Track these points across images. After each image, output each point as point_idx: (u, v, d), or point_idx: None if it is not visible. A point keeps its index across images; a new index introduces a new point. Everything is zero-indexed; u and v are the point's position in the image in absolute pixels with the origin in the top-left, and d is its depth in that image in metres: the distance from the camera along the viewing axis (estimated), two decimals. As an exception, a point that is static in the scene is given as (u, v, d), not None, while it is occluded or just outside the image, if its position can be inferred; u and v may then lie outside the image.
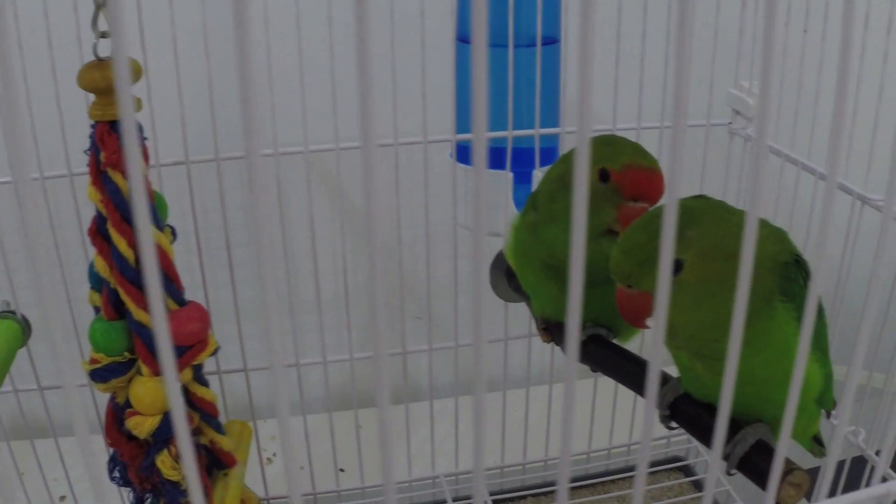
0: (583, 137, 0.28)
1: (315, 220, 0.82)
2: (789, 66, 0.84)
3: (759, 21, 0.85)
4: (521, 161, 0.85)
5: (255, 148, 0.24)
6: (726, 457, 0.60)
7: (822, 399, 0.62)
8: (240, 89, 0.24)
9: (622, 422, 0.99)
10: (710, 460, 0.49)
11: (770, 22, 0.28)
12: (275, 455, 1.05)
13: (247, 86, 0.24)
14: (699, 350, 0.57)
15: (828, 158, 0.31)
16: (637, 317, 0.57)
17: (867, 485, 0.79)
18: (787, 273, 0.56)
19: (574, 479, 1.00)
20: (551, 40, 0.84)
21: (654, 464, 1.03)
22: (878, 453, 0.81)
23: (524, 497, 1.00)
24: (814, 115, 0.80)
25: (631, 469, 1.02)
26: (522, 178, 0.84)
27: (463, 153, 0.85)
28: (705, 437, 0.63)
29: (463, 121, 0.84)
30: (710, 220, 0.55)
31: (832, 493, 0.52)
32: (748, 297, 0.54)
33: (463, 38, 0.83)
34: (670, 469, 1.03)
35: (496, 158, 0.83)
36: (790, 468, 0.57)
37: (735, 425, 0.60)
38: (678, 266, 0.54)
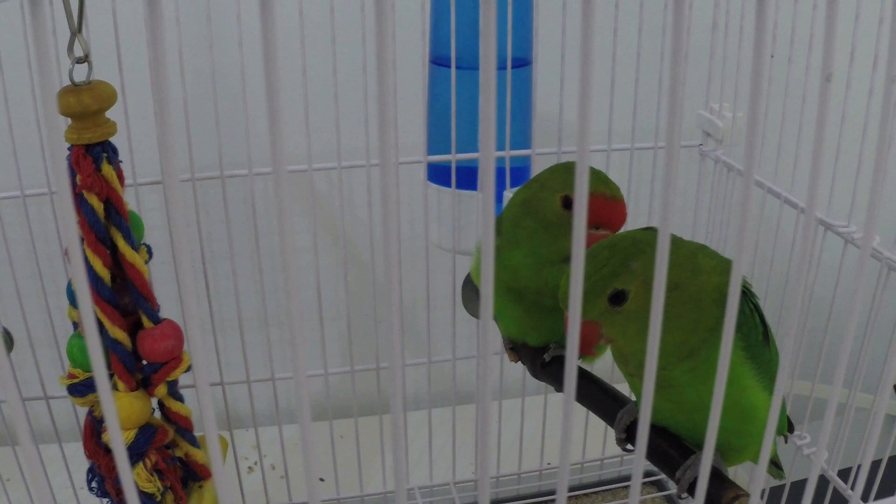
0: (582, 160, 0.29)
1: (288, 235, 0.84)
2: (774, 96, 0.85)
3: (729, 44, 0.87)
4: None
5: (282, 166, 0.25)
6: (678, 480, 0.61)
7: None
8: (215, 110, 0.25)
9: (596, 435, 1.01)
10: (677, 483, 0.50)
11: (758, 61, 0.29)
12: (256, 464, 1.07)
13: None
14: (649, 378, 0.59)
15: (808, 194, 0.33)
16: (585, 345, 0.58)
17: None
18: (732, 304, 0.57)
19: (549, 493, 1.02)
20: (523, 62, 0.85)
21: (627, 478, 1.05)
22: (842, 474, 0.83)
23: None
24: (780, 138, 0.81)
25: (604, 483, 1.03)
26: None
27: (435, 173, 0.87)
28: (659, 460, 0.64)
29: (434, 142, 0.86)
30: (655, 252, 0.56)
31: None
32: (694, 329, 0.56)
33: (436, 61, 0.85)
34: (644, 483, 1.05)
35: (467, 179, 0.85)
36: (737, 494, 0.58)
37: (687, 451, 0.62)
38: (623, 296, 0.55)
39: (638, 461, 0.37)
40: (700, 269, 0.56)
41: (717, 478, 0.59)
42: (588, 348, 0.59)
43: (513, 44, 0.82)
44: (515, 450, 1.00)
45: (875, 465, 0.76)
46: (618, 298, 0.55)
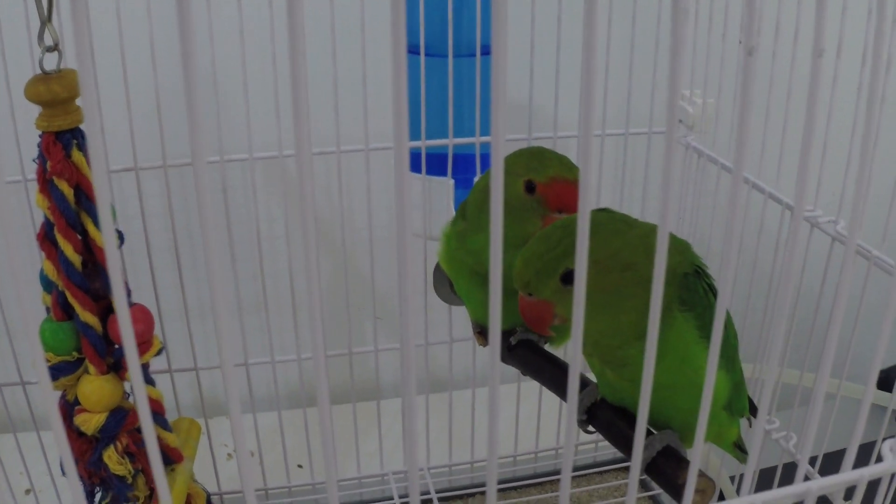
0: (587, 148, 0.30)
1: (260, 222, 0.85)
2: (726, 77, 0.86)
3: (699, 31, 0.87)
4: (464, 167, 0.87)
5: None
6: (635, 461, 0.62)
7: (732, 406, 0.64)
8: (187, 100, 0.26)
9: (548, 424, 1.02)
10: (631, 464, 0.51)
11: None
12: (235, 451, 1.08)
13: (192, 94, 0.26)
14: (604, 356, 0.60)
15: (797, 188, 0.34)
16: (538, 323, 0.59)
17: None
18: (686, 283, 0.58)
19: (503, 481, 1.03)
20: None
21: (599, 464, 1.06)
22: (812, 461, 0.83)
23: (472, 494, 1.02)
24: (781, 144, 0.81)
25: (577, 469, 1.04)
26: (465, 183, 0.87)
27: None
28: (618, 441, 0.65)
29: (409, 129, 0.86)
30: (607, 233, 0.57)
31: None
32: (646, 308, 0.56)
33: (411, 50, 0.85)
34: (617, 469, 1.06)
35: (438, 165, 0.86)
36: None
37: (647, 431, 0.62)
38: (573, 276, 0.56)
39: (569, 442, 0.38)
40: (653, 250, 0.57)
41: (674, 458, 0.60)
42: (542, 327, 0.59)
43: (483, 31, 0.83)
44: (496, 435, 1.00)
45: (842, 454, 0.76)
46: (569, 278, 0.56)
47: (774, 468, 0.86)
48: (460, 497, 1.01)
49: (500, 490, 1.02)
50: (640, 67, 0.88)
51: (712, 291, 0.61)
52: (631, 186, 0.96)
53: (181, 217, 0.89)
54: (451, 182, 0.85)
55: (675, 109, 0.32)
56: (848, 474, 0.48)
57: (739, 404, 0.66)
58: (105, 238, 0.27)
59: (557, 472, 1.05)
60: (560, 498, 0.35)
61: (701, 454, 0.45)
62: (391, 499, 0.97)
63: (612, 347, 0.58)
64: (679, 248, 0.59)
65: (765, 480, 0.83)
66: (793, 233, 0.38)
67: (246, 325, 0.90)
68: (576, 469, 1.04)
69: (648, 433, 0.62)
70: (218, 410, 1.08)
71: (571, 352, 0.34)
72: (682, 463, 0.60)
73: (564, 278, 0.56)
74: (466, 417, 0.99)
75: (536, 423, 1.01)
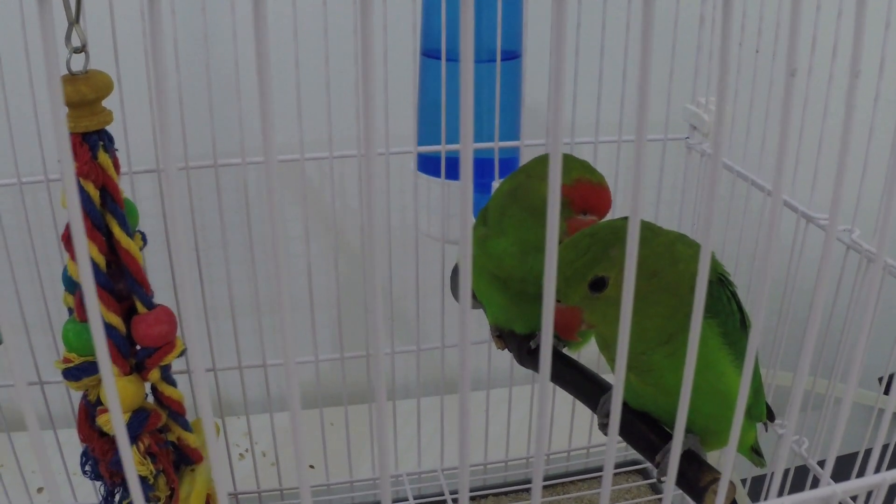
0: (555, 151, 0.31)
1: (279, 224, 0.85)
2: (742, 84, 0.86)
3: (716, 38, 0.88)
4: (482, 172, 0.87)
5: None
6: (657, 464, 0.63)
7: (751, 411, 0.65)
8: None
9: (582, 424, 1.02)
10: (669, 466, 0.52)
11: (726, 43, 0.31)
12: (247, 451, 1.09)
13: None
14: (630, 362, 0.60)
15: (773, 177, 0.34)
16: (567, 330, 0.59)
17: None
18: (710, 291, 0.59)
19: (517, 483, 1.04)
20: (513, 55, 0.87)
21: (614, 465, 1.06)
22: (821, 464, 0.84)
23: (485, 496, 1.03)
24: (764, 132, 0.83)
25: (590, 471, 1.05)
26: (482, 188, 0.87)
27: (425, 164, 0.88)
28: (639, 445, 0.65)
29: (425, 133, 0.87)
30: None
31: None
32: (672, 315, 0.57)
33: (427, 53, 0.86)
34: (629, 472, 1.06)
35: (457, 169, 0.86)
36: (715, 478, 0.60)
37: (667, 435, 0.63)
38: (603, 283, 0.56)
39: (611, 446, 0.38)
40: (678, 258, 0.58)
41: (696, 462, 0.61)
42: (570, 333, 0.60)
43: (502, 37, 0.84)
44: (503, 438, 1.02)
45: (854, 457, 0.77)
46: (598, 285, 0.57)
47: (787, 471, 0.87)
48: (472, 498, 1.02)
49: (513, 491, 1.03)
50: (655, 74, 0.89)
51: (735, 299, 0.61)
52: (645, 192, 0.97)
53: (200, 217, 0.90)
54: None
55: (645, 115, 0.32)
56: (871, 478, 0.49)
57: (758, 410, 0.67)
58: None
59: (569, 475, 1.06)
60: None
61: (715, 457, 0.46)
62: (406, 500, 0.98)
63: (637, 353, 0.59)
64: (703, 256, 0.60)
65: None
66: (825, 255, 0.39)
67: (265, 326, 0.91)
68: (588, 471, 1.05)
69: (670, 437, 0.63)
70: (231, 410, 1.09)
71: (589, 355, 0.35)
72: (704, 466, 0.61)
73: (593, 285, 0.57)
74: (480, 419, 1.00)
75: (549, 427, 1.01)
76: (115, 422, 0.32)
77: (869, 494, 0.53)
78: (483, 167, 0.88)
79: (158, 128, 0.28)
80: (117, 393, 0.31)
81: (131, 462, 0.34)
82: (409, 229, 0.90)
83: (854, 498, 0.52)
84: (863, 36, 0.34)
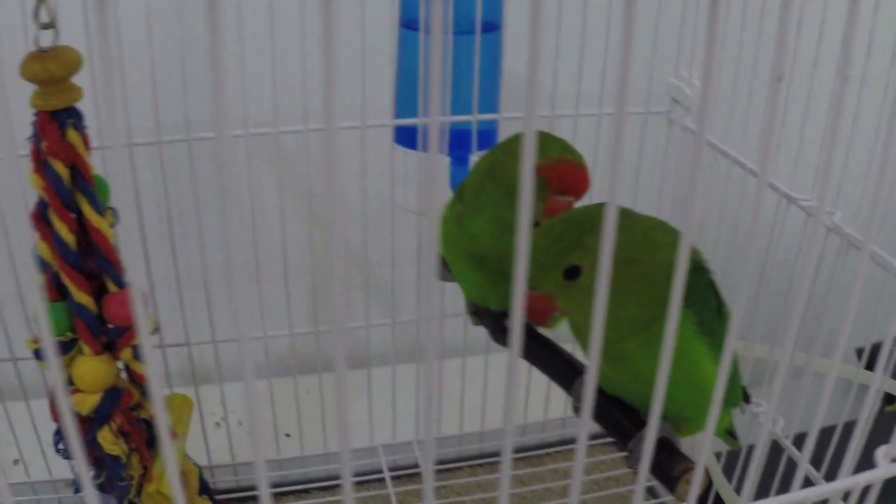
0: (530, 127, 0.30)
1: (254, 195, 0.84)
2: (726, 61, 0.85)
3: (701, 12, 0.86)
4: (459, 144, 0.86)
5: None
6: (630, 451, 0.63)
7: (726, 397, 0.65)
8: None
9: (558, 394, 1.02)
10: (643, 455, 0.52)
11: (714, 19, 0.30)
12: (223, 419, 1.08)
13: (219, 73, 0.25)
14: (602, 349, 0.60)
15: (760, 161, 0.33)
16: (539, 316, 0.59)
17: (784, 475, 0.83)
18: (687, 280, 0.58)
19: (490, 454, 1.04)
20: (492, 27, 0.85)
21: (588, 438, 1.07)
22: (797, 440, 0.84)
23: (461, 468, 1.03)
24: (748, 110, 0.82)
25: (567, 442, 1.05)
26: (460, 161, 0.86)
27: (402, 136, 0.87)
28: (613, 431, 0.65)
29: (402, 105, 0.85)
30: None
31: (744, 473, 0.55)
32: (648, 304, 0.57)
33: (406, 24, 0.84)
34: (604, 444, 1.07)
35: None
36: (688, 467, 0.59)
37: (641, 422, 0.63)
38: (578, 272, 0.56)
39: (583, 428, 0.38)
40: (656, 245, 0.57)
41: (669, 450, 0.61)
42: (542, 320, 0.59)
43: (482, 8, 0.82)
44: (479, 408, 1.01)
45: (830, 431, 0.78)
46: (572, 273, 0.56)
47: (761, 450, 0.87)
48: (448, 469, 1.02)
49: (488, 463, 1.03)
50: (638, 46, 0.88)
51: (712, 287, 0.61)
52: (625, 167, 0.96)
53: (174, 190, 0.88)
54: (447, 159, 0.85)
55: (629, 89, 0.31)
56: (844, 481, 0.49)
57: (733, 395, 0.67)
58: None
59: (545, 445, 1.06)
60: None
61: (687, 442, 0.45)
62: (380, 471, 0.98)
63: (610, 341, 0.58)
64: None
65: (749, 461, 0.84)
66: (810, 245, 0.38)
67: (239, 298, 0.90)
68: (565, 442, 1.05)
69: (643, 424, 0.63)
70: (206, 378, 1.08)
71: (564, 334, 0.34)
72: (677, 455, 0.61)
73: (567, 274, 0.56)
74: (456, 388, 0.99)
75: (525, 398, 1.01)
76: (68, 433, 0.31)
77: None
78: (461, 139, 0.86)
79: (103, 102, 0.27)
80: (67, 396, 0.30)
81: (82, 456, 0.33)
82: (387, 201, 0.89)
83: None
84: (854, 27, 0.33)
